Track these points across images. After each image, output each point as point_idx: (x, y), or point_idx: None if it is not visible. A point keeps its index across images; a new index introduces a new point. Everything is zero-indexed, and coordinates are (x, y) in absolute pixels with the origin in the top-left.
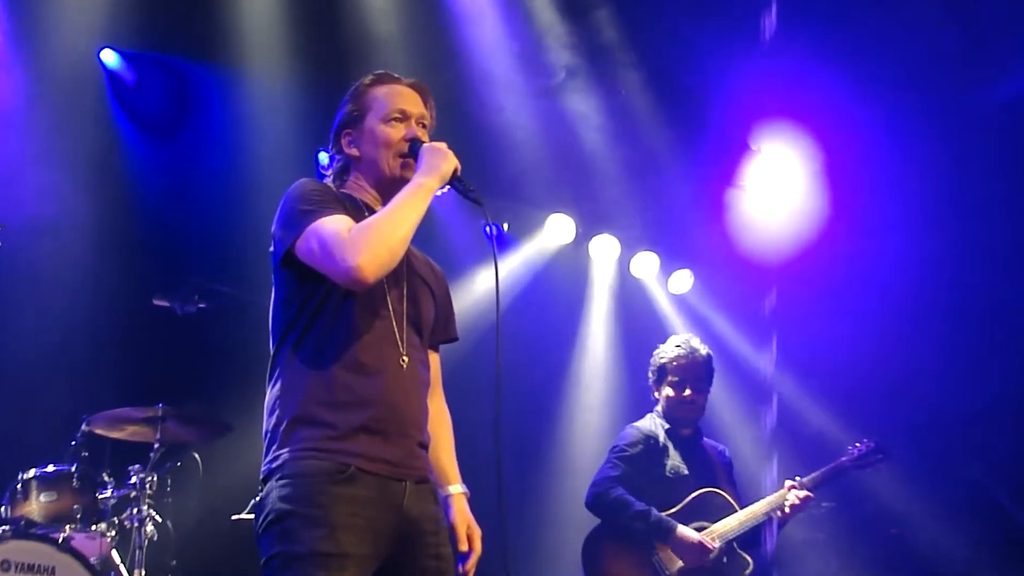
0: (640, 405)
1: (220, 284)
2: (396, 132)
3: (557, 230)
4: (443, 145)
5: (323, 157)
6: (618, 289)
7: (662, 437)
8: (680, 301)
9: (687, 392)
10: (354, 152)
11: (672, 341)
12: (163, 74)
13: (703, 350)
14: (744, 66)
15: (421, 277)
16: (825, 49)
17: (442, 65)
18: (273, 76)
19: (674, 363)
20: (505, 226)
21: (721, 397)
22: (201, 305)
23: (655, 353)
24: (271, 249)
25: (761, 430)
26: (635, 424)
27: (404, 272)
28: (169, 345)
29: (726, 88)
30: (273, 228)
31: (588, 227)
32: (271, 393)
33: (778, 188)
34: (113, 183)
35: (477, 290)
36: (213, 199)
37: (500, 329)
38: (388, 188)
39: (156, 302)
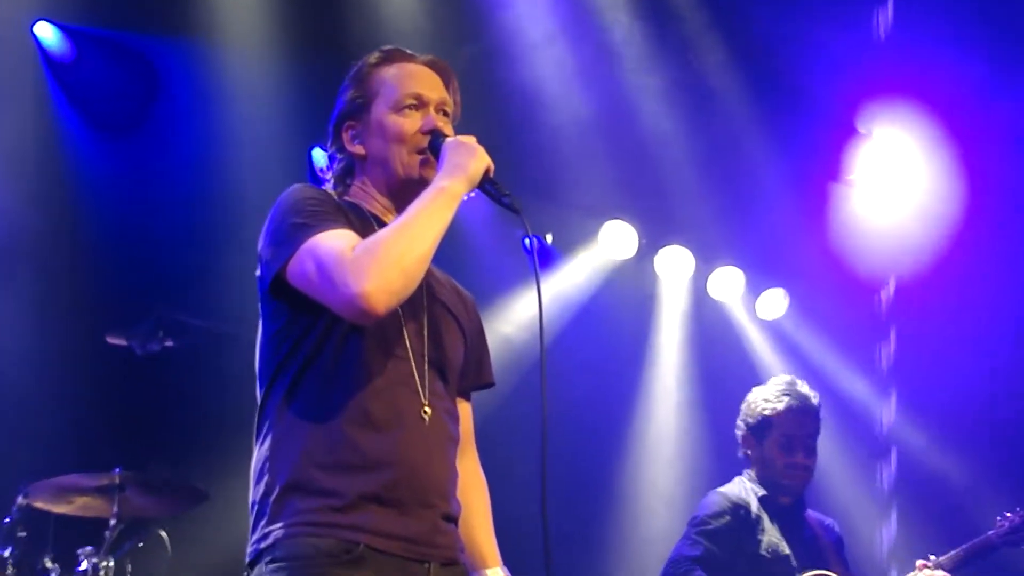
0: (723, 463)
1: (191, 316)
2: (411, 123)
3: (614, 241)
4: (471, 139)
5: (319, 156)
6: (692, 314)
7: (755, 507)
8: (772, 329)
9: (799, 456)
10: (359, 150)
11: (775, 387)
12: (116, 54)
13: (814, 398)
14: (852, 25)
15: (445, 305)
16: (959, 5)
17: (466, 35)
18: (256, 54)
19: (783, 417)
20: (548, 238)
21: (825, 449)
22: (167, 343)
23: (751, 400)
24: (257, 273)
25: (876, 491)
26: (720, 490)
27: (424, 300)
28: (127, 394)
29: (829, 55)
30: (260, 247)
31: (653, 237)
32: (259, 454)
33: (895, 184)
34: (55, 191)
35: (516, 319)
36: (182, 210)
37: (545, 368)
38: (403, 194)
39: (111, 340)
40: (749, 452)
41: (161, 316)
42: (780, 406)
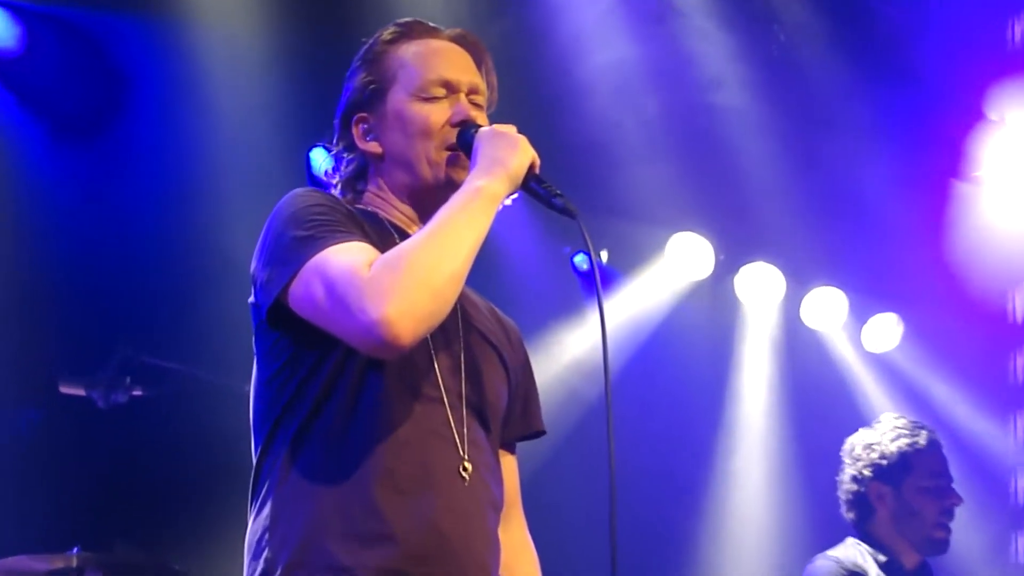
0: (821, 524)
1: (165, 359)
2: (438, 113)
3: (685, 258)
4: (511, 129)
5: (318, 158)
6: (782, 346)
7: (874, 574)
8: (881, 363)
9: (953, 499)
10: (373, 148)
11: (896, 421)
12: (74, 40)
13: (939, 439)
14: None
15: (484, 335)
16: None
17: (497, 7)
18: (243, 36)
19: (927, 453)
20: (604, 255)
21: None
22: (136, 392)
23: (868, 441)
24: (251, 300)
25: (1011, 556)
26: (830, 554)
27: (458, 328)
28: (88, 456)
29: (949, 24)
30: (253, 267)
31: (734, 252)
32: (255, 525)
33: None
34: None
35: (567, 353)
36: (154, 229)
37: (611, 413)
38: (429, 199)
39: (65, 390)
40: (877, 505)
41: (128, 359)
42: (921, 440)
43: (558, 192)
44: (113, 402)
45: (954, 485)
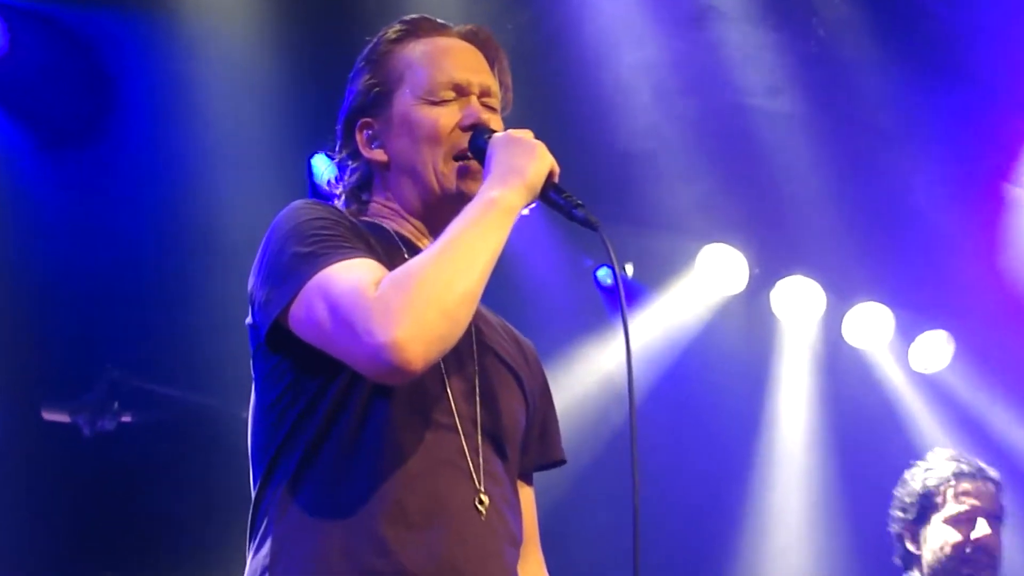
0: (875, 563)
1: (155, 382)
2: (447, 116)
3: (717, 272)
4: (528, 134)
5: (320, 165)
6: (823, 366)
7: None
8: (930, 385)
9: (981, 531)
10: (378, 155)
11: (939, 455)
12: (56, 36)
13: (992, 471)
14: None
15: (500, 357)
16: None
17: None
18: (239, 32)
19: (950, 487)
20: (629, 269)
21: (1013, 545)
22: (124, 418)
23: (909, 476)
24: (248, 321)
25: None
26: None
27: (473, 350)
28: (73, 487)
29: (1000, 21)
30: (251, 286)
31: (770, 265)
32: (254, 563)
33: None
34: None
35: (590, 374)
36: (144, 243)
37: (636, 440)
38: (439, 211)
39: (48, 416)
40: (913, 545)
41: (115, 383)
42: (946, 472)
43: (579, 202)
44: (100, 429)
45: (989, 519)
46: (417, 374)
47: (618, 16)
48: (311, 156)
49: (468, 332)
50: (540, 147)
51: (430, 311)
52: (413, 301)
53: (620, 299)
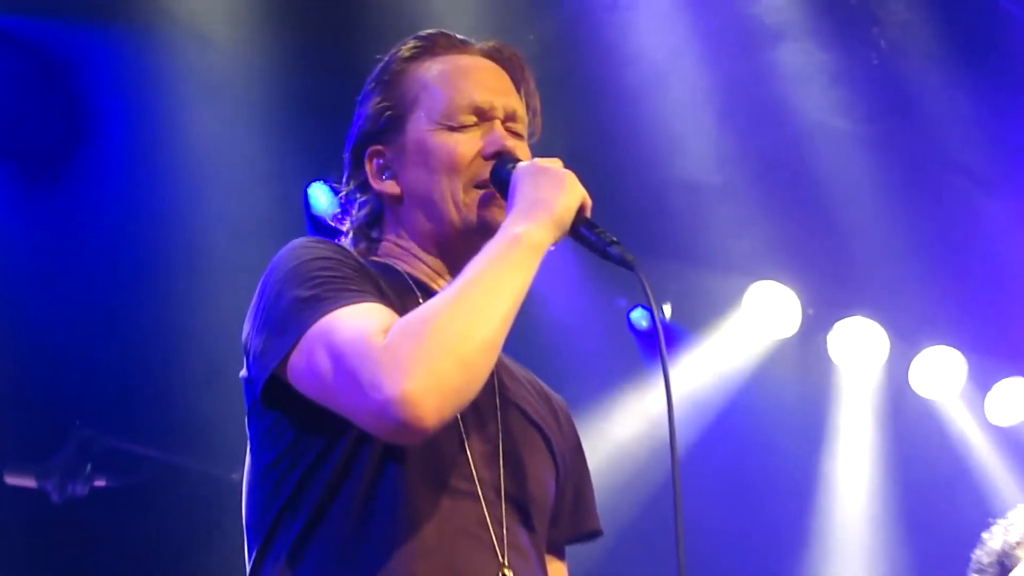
0: None
1: (134, 441)
2: (467, 144)
3: (768, 312)
4: (556, 163)
5: (319, 195)
6: (888, 417)
7: None
8: (1008, 438)
9: None
10: (390, 187)
11: (1020, 513)
12: (24, 55)
13: None
14: None
15: (526, 414)
16: None
17: (536, 11)
18: (229, 49)
19: (1017, 548)
20: (667, 308)
21: None
22: (98, 482)
23: (987, 536)
24: (242, 374)
25: None
26: None
27: (495, 406)
28: (39, 560)
29: None
30: (245, 334)
31: (826, 305)
32: None
33: None
34: None
35: (627, 428)
36: (123, 285)
37: (680, 503)
38: (458, 249)
39: (11, 481)
40: None
41: (88, 442)
42: (1015, 534)
43: (613, 239)
44: (70, 495)
45: None
46: (430, 432)
47: (658, 32)
48: (308, 185)
49: (490, 386)
50: (570, 177)
51: (445, 361)
52: (426, 350)
53: (660, 346)
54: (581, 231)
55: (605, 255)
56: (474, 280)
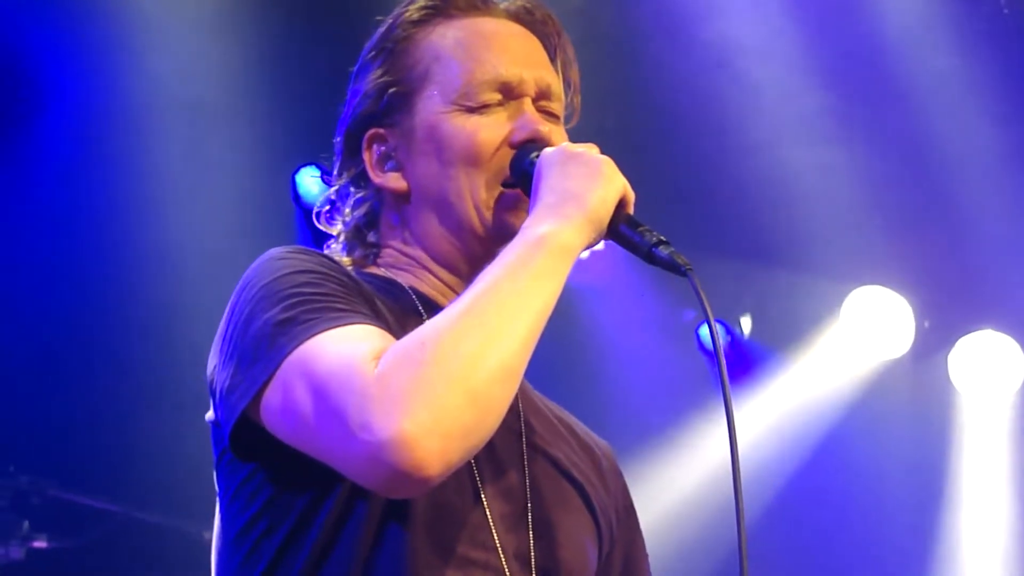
0: None
1: (84, 492)
2: (491, 129)
3: (874, 325)
4: (591, 148)
5: (308, 182)
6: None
7: None
8: None
9: None
10: (394, 181)
11: None
12: None
13: None
14: None
15: (558, 465)
16: None
17: None
18: (199, 12)
19: None
20: (746, 324)
21: None
22: (37, 543)
23: None
24: (208, 416)
25: None
26: None
27: (521, 457)
28: None
29: None
30: (209, 368)
31: (946, 317)
32: None
33: None
34: None
35: (693, 471)
36: (64, 303)
37: (746, 562)
38: (477, 260)
39: None
40: None
41: (23, 493)
42: None
43: (661, 238)
44: (1, 558)
45: None
46: (434, 482)
47: None
48: (295, 171)
49: (513, 431)
50: (607, 164)
51: (451, 393)
52: (426, 379)
53: (721, 373)
54: (622, 230)
55: (651, 258)
56: (488, 292)
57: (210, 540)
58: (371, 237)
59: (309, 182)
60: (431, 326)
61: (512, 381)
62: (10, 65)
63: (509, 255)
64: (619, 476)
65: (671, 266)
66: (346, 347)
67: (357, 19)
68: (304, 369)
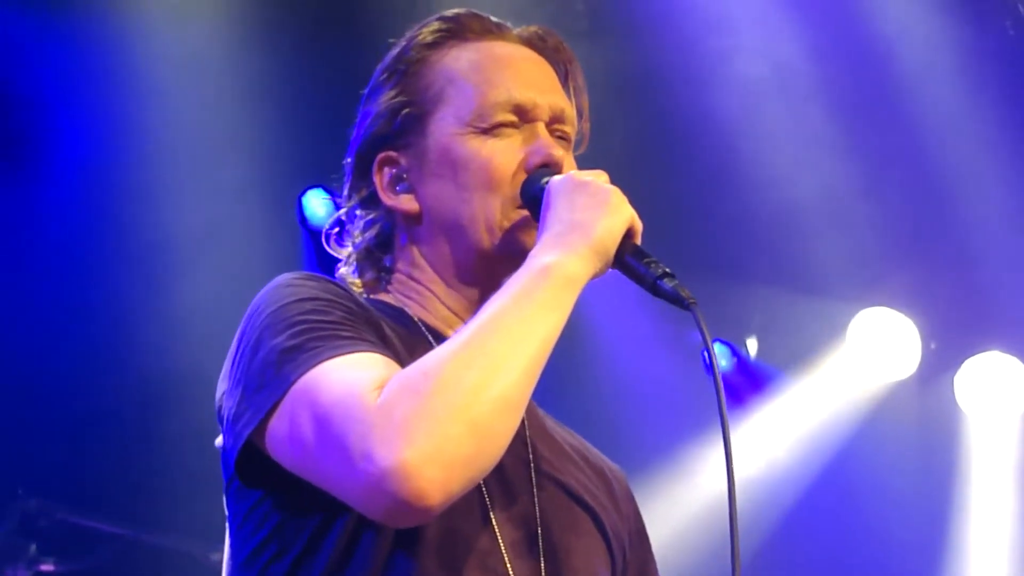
0: None
1: (91, 516)
2: (505, 152)
3: (879, 346)
4: (600, 176)
5: (315, 204)
6: None
7: None
8: None
9: None
10: (406, 204)
11: None
12: None
13: None
14: None
15: (570, 493)
16: None
17: None
18: (212, 29)
19: None
20: (752, 345)
21: None
22: (45, 566)
23: None
24: (218, 442)
25: None
26: None
27: (530, 483)
28: None
29: None
30: (218, 394)
31: (952, 338)
32: None
33: None
34: None
35: (702, 497)
36: (76, 323)
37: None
38: (492, 286)
39: None
40: None
41: (31, 516)
42: None
43: (666, 270)
44: None
45: None
46: (434, 512)
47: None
48: (302, 193)
49: (522, 457)
50: (615, 195)
51: (452, 423)
52: (428, 409)
53: (719, 400)
54: (628, 260)
55: (655, 290)
56: (491, 323)
57: (217, 562)
58: (384, 262)
59: (315, 204)
60: (434, 356)
61: (514, 411)
62: (16, 97)
63: (514, 285)
64: (631, 501)
65: (675, 299)
66: (350, 375)
67: (363, 42)
68: (308, 397)
